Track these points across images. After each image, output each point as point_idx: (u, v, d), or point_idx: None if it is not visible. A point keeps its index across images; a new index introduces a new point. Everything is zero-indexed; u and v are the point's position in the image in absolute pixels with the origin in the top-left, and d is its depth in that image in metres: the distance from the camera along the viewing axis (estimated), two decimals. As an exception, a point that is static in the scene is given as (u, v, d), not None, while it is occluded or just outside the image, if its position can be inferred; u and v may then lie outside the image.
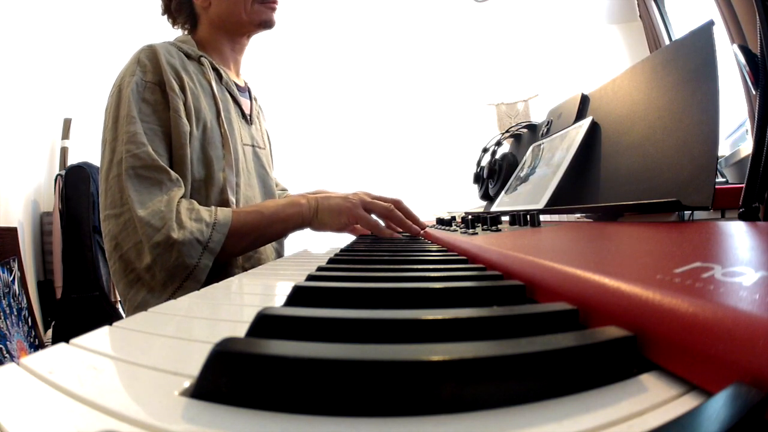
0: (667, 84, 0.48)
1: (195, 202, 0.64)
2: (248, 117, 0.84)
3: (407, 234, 0.74)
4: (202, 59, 0.75)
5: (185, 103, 0.67)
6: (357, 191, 0.73)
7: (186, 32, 0.82)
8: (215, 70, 0.78)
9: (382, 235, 0.71)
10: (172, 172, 0.63)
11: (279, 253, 0.87)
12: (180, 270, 0.58)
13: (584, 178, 0.63)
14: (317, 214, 0.70)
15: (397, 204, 0.73)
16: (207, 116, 0.71)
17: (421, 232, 0.73)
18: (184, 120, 0.66)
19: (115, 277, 0.61)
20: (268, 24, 0.81)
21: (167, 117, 0.65)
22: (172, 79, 0.66)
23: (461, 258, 0.38)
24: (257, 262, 0.76)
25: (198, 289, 0.58)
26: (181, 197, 0.63)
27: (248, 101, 0.87)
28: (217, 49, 0.81)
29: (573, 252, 0.26)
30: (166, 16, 0.82)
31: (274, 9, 0.81)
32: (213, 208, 0.64)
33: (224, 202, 0.70)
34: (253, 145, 0.84)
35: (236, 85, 0.83)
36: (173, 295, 0.58)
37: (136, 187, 0.59)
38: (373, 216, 0.71)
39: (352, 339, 0.15)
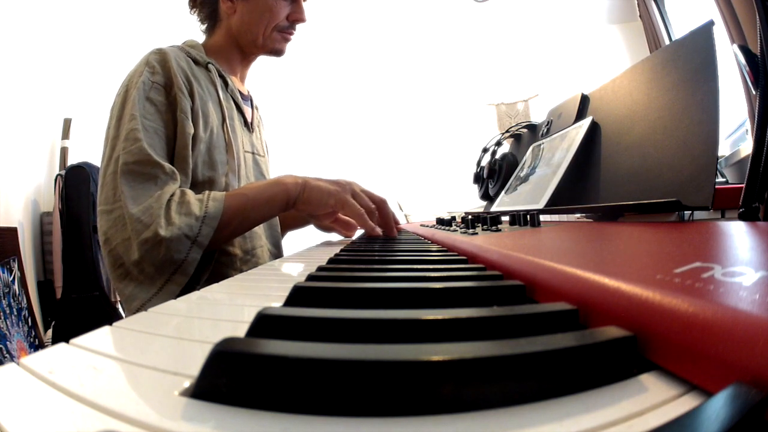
0: (667, 84, 0.48)
1: (189, 193, 0.62)
2: (250, 125, 0.86)
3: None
4: (210, 66, 0.76)
5: (193, 107, 0.68)
6: (349, 180, 0.72)
7: (203, 27, 0.83)
8: (222, 77, 0.79)
9: (364, 227, 0.70)
10: (167, 165, 0.62)
11: (276, 255, 0.86)
12: (168, 265, 0.58)
13: (584, 178, 0.63)
14: (304, 192, 0.67)
15: (383, 204, 0.73)
16: (213, 121, 0.72)
17: (395, 234, 0.74)
18: (190, 122, 0.66)
19: (107, 268, 0.62)
20: (278, 53, 0.83)
21: (170, 119, 0.65)
22: (182, 82, 0.67)
23: (461, 258, 0.38)
24: (254, 264, 0.76)
25: (186, 282, 0.59)
26: (176, 190, 0.62)
27: (250, 109, 0.88)
28: (226, 58, 0.83)
29: (573, 252, 0.26)
30: (189, 6, 0.83)
31: (288, 40, 0.83)
32: (205, 196, 0.62)
33: None
34: (253, 153, 0.85)
35: (240, 93, 0.84)
36: (162, 289, 0.58)
37: (130, 184, 0.59)
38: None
39: (352, 339, 0.15)
